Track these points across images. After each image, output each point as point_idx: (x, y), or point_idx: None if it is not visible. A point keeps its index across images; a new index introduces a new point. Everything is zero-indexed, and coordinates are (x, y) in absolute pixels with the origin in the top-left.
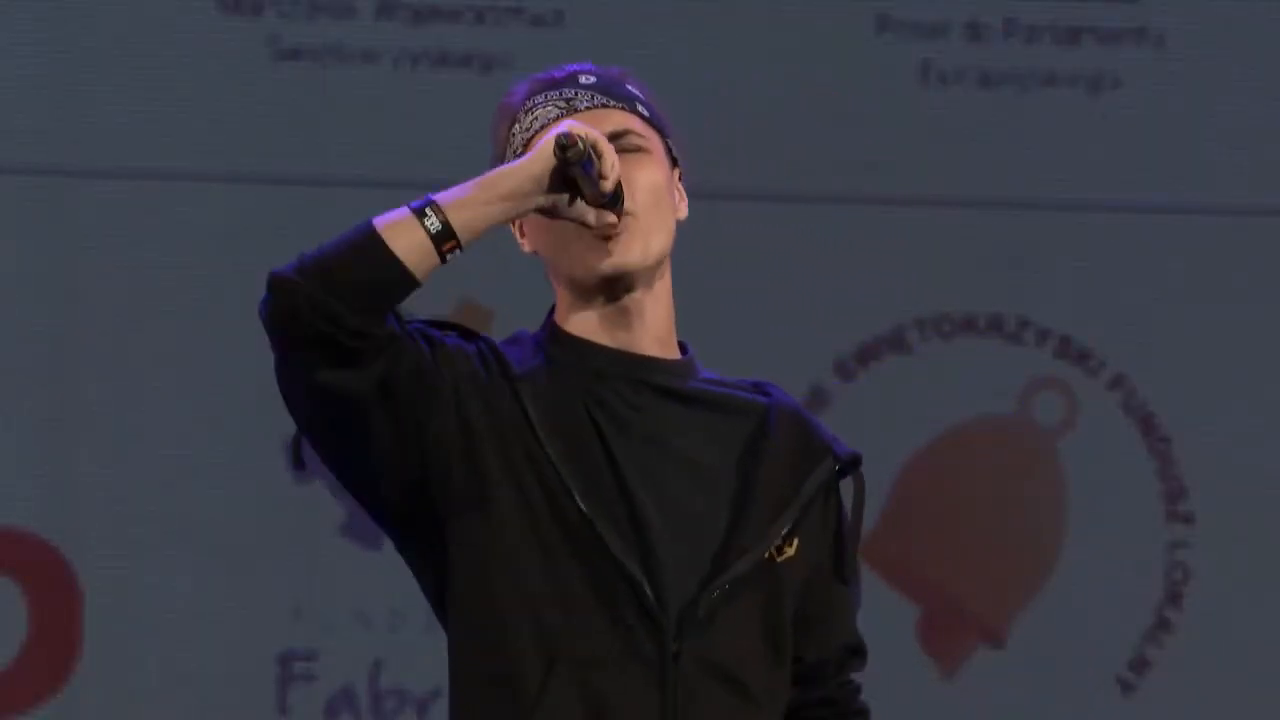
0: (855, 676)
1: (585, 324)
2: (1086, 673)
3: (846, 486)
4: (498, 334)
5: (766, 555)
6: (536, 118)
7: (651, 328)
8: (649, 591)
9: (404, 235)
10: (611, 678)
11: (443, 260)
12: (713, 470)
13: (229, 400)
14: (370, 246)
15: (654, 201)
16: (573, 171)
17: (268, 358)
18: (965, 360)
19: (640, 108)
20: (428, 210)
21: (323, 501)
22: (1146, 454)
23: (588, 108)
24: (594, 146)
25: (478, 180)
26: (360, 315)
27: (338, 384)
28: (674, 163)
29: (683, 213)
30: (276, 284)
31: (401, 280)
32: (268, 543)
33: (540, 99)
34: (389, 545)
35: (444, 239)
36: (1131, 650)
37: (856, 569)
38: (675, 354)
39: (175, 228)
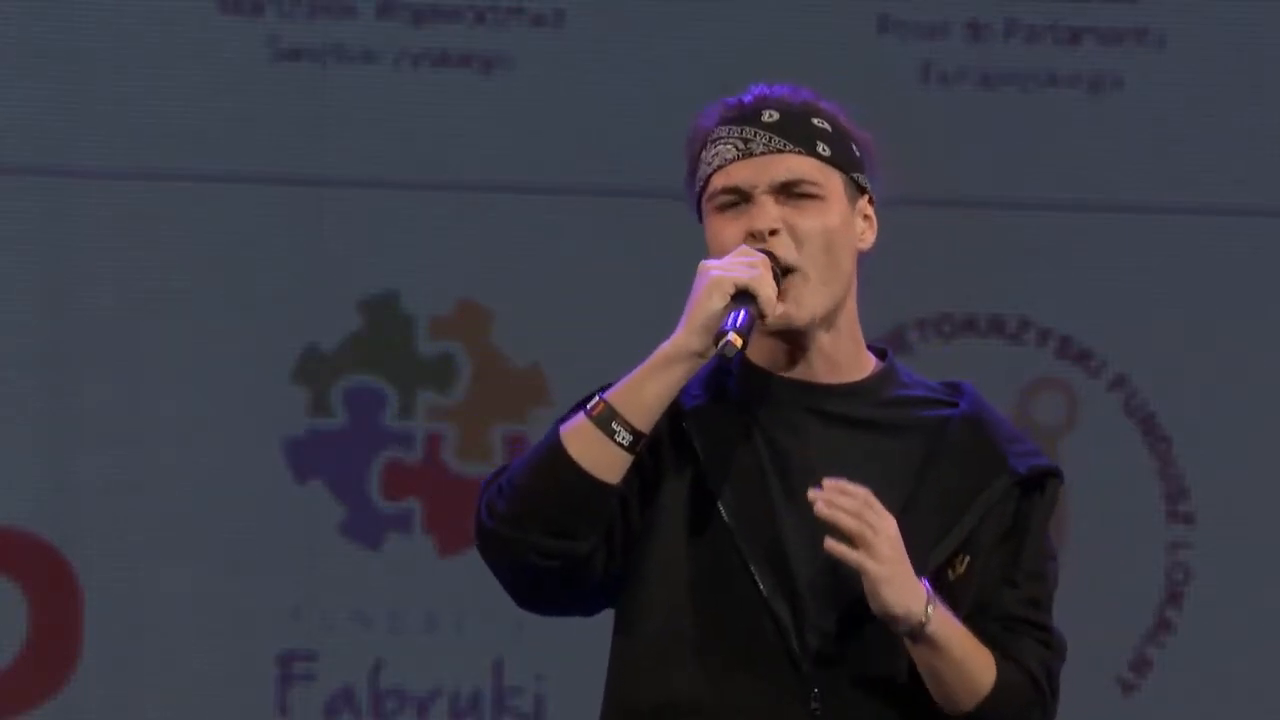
0: (1025, 640)
1: (760, 353)
2: (1087, 673)
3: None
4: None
5: (942, 578)
6: (716, 154)
7: (829, 357)
8: (791, 629)
9: (600, 455)
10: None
11: (638, 455)
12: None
13: (229, 401)
14: (575, 483)
15: (824, 249)
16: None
17: (267, 358)
18: (966, 360)
19: (821, 147)
20: (615, 425)
21: (323, 501)
22: (1147, 454)
23: (762, 152)
24: (752, 309)
25: (645, 366)
26: (584, 541)
27: (574, 593)
28: (861, 190)
29: (868, 242)
30: (494, 543)
31: (608, 495)
32: (268, 543)
33: (723, 132)
34: (389, 545)
35: (635, 444)
36: (1131, 650)
37: (1033, 574)
38: (858, 375)
39: (175, 228)
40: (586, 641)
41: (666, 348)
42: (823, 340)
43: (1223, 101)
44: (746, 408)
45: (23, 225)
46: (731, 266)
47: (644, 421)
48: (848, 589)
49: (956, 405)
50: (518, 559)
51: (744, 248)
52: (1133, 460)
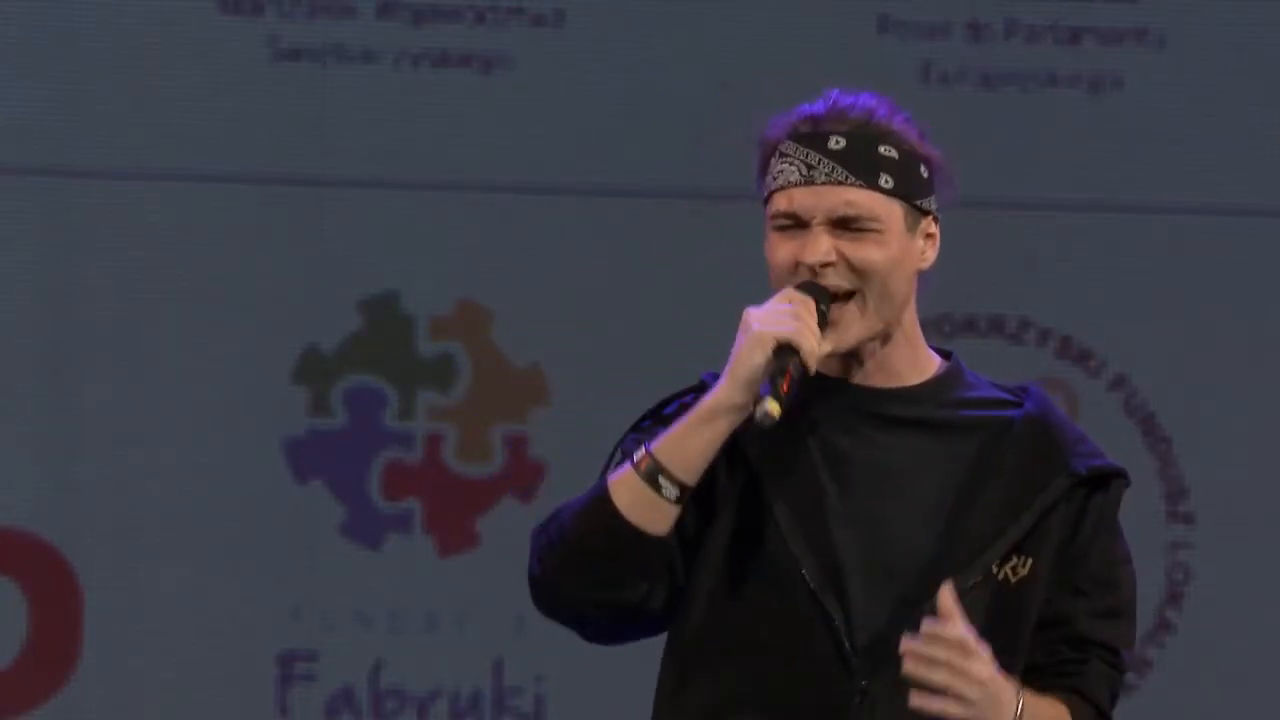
0: (1093, 662)
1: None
2: None
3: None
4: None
5: (999, 578)
6: (781, 172)
7: (884, 364)
8: (842, 627)
9: (647, 509)
10: (798, 716)
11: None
12: (930, 500)
13: (229, 401)
14: (624, 536)
15: (877, 280)
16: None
17: (267, 358)
18: (966, 361)
19: (884, 179)
20: (661, 480)
21: (323, 501)
22: (1147, 454)
23: (823, 182)
24: (794, 363)
25: (690, 419)
26: (635, 590)
27: (641, 627)
28: (924, 213)
29: (927, 261)
30: (546, 596)
31: (657, 546)
32: (268, 543)
33: (790, 149)
34: (389, 545)
35: (682, 497)
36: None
37: (1104, 582)
38: (918, 378)
39: (175, 228)
40: (586, 642)
41: (710, 401)
42: (875, 350)
43: (1223, 101)
44: (800, 410)
45: (23, 225)
46: (774, 319)
47: (690, 475)
48: (899, 589)
49: (1019, 405)
50: (572, 611)
51: (788, 291)
52: (1133, 460)
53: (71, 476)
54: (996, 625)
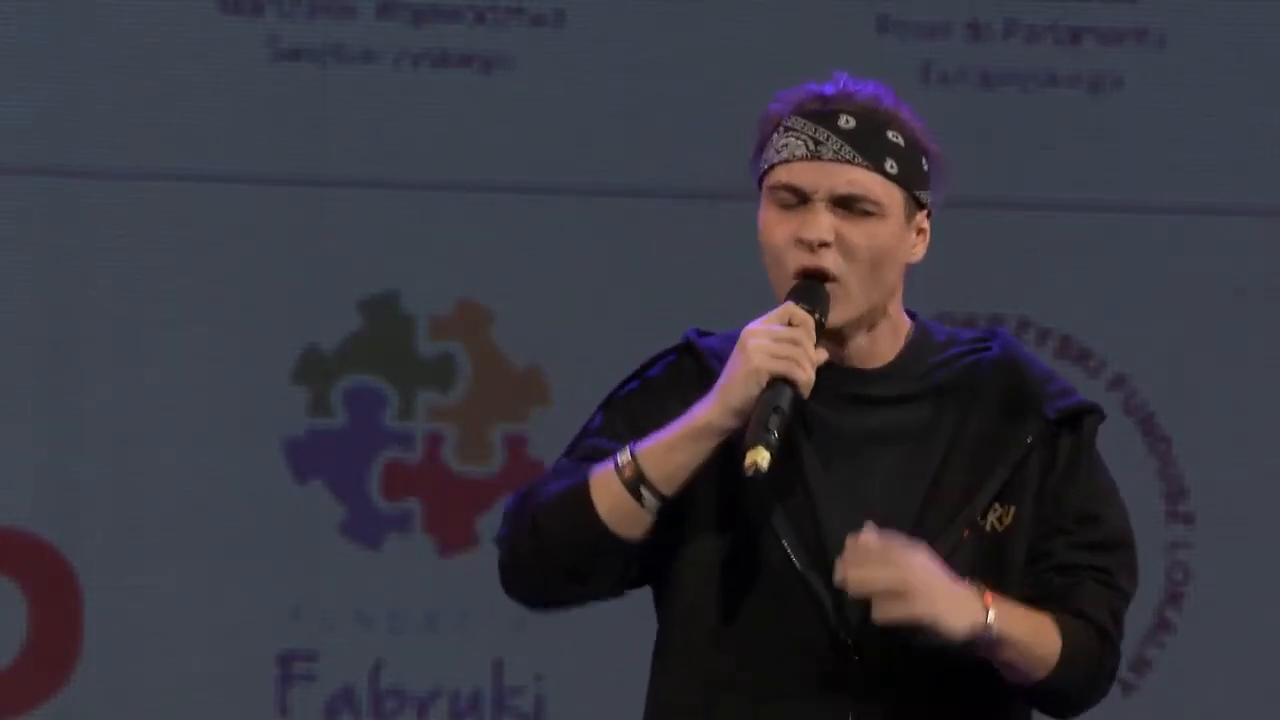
0: (1088, 585)
1: None
2: None
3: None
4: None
5: (985, 529)
6: (785, 145)
7: (864, 347)
8: (830, 606)
9: (625, 515)
10: (788, 702)
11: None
12: (909, 469)
13: (229, 401)
14: (598, 536)
15: (870, 264)
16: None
17: (267, 358)
18: None
19: (889, 163)
20: (643, 490)
21: (323, 501)
22: (1146, 454)
23: (830, 158)
24: (787, 400)
25: (676, 434)
26: (601, 582)
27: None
28: (921, 205)
29: (917, 255)
30: (514, 579)
31: (628, 548)
32: (268, 543)
33: (797, 124)
34: (389, 545)
35: (661, 507)
36: (1131, 650)
37: (1086, 517)
38: (894, 353)
39: (175, 228)
40: (586, 642)
41: (698, 420)
42: (860, 339)
43: (1223, 101)
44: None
45: (23, 225)
46: (771, 350)
47: (671, 488)
48: None
49: (989, 349)
50: (534, 596)
51: (789, 309)
52: (1132, 460)
53: (71, 476)
54: (986, 577)
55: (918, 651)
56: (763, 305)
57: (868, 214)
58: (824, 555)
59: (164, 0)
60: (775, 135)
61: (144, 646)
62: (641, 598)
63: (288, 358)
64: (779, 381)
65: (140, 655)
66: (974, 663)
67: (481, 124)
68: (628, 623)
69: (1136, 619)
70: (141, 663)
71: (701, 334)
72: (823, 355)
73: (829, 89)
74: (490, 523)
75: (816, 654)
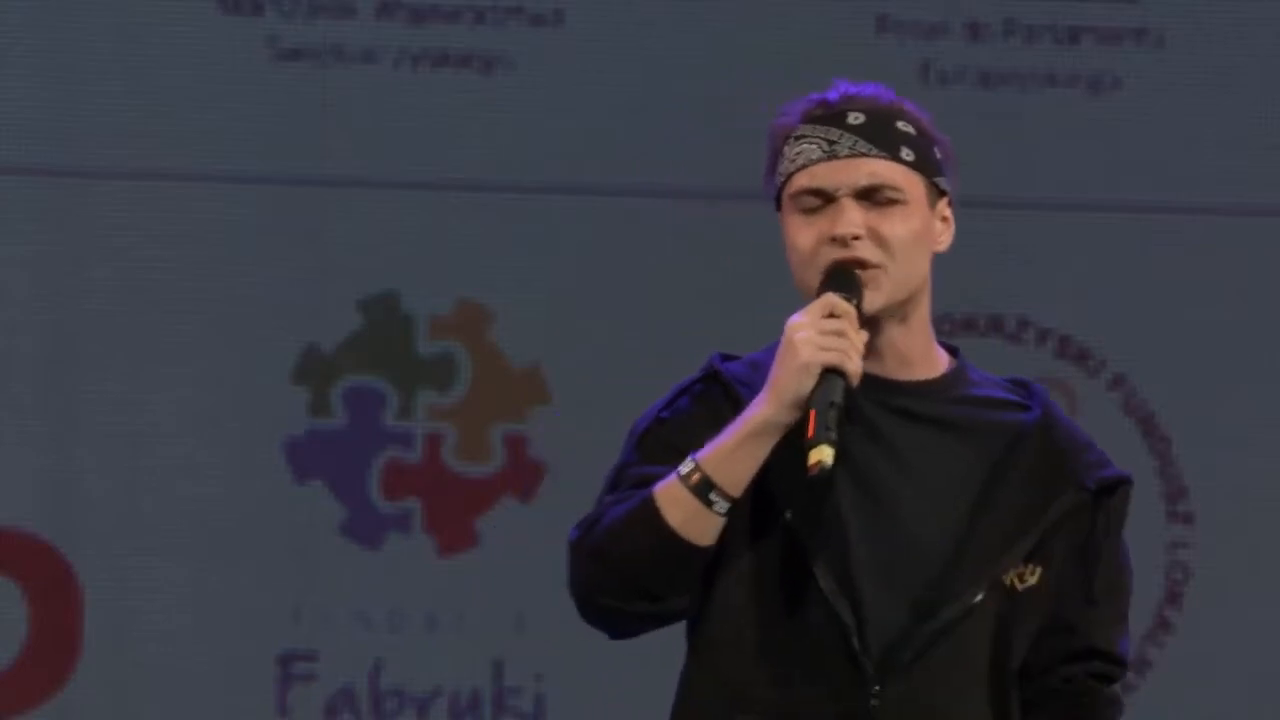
0: (1097, 674)
1: None
2: None
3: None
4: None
5: (1007, 583)
6: (800, 153)
7: (901, 353)
8: (854, 633)
9: (698, 523)
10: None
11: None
12: (944, 501)
13: (229, 400)
14: (676, 551)
15: (902, 251)
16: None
17: (267, 358)
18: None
19: (905, 151)
20: (713, 496)
21: (323, 501)
22: (1146, 454)
23: (847, 155)
24: (839, 390)
25: (735, 436)
26: (683, 599)
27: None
28: (941, 193)
29: (944, 244)
30: (596, 612)
31: (705, 556)
32: (268, 543)
33: (808, 130)
34: (389, 545)
35: (730, 510)
36: (1131, 650)
37: (1114, 587)
38: (930, 373)
39: (175, 228)
40: (586, 642)
41: (755, 419)
42: (894, 334)
43: (1222, 101)
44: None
45: (23, 225)
46: (820, 341)
47: (738, 490)
48: (911, 595)
49: (1027, 409)
50: (620, 624)
51: (830, 299)
52: (1132, 460)
53: (71, 476)
54: (1001, 632)
55: (938, 685)
56: (762, 305)
57: (893, 202)
58: (852, 584)
59: (164, 0)
60: (787, 147)
61: (144, 646)
62: None
63: (288, 358)
64: (830, 373)
65: (140, 655)
66: (987, 696)
67: (481, 124)
68: None
69: (1136, 619)
70: (141, 663)
71: (725, 358)
72: (864, 338)
73: (831, 94)
74: (490, 523)
75: (837, 677)
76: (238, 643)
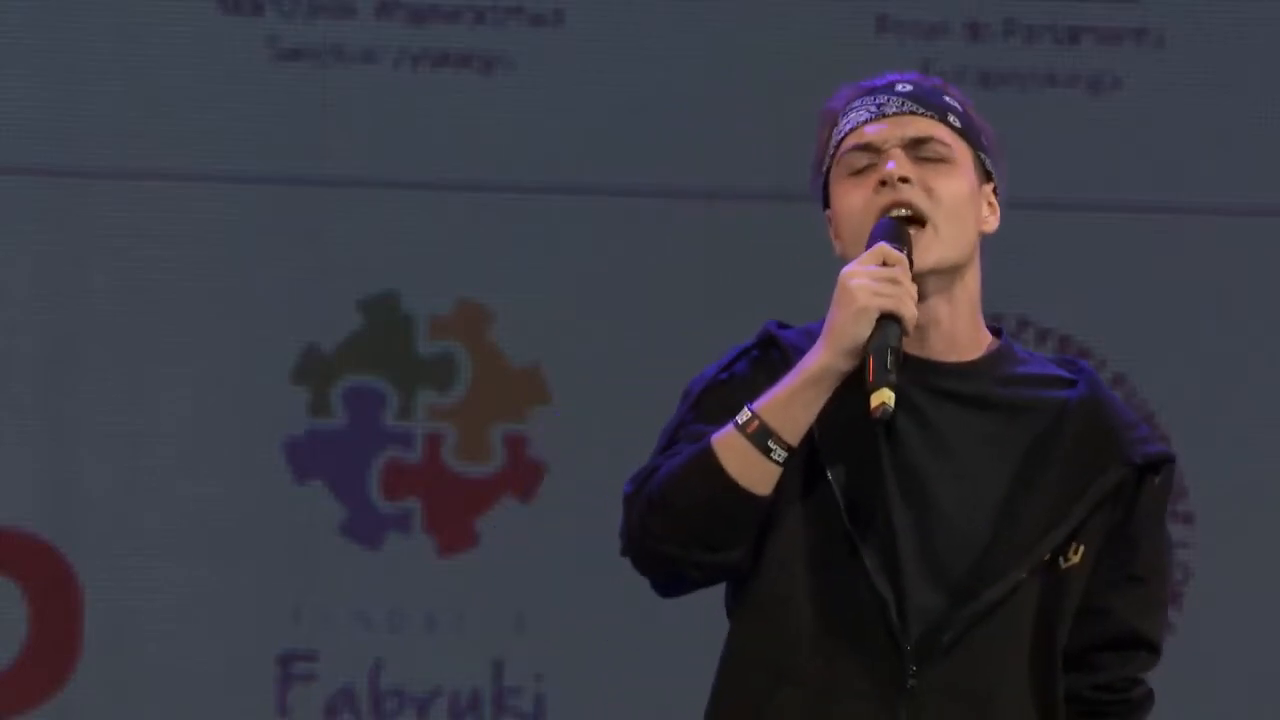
0: (1135, 666)
1: None
2: None
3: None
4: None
5: (1052, 562)
6: (850, 120)
7: (947, 333)
8: (894, 613)
9: (756, 471)
10: (844, 702)
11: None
12: (987, 481)
13: (229, 401)
14: (734, 499)
15: (954, 210)
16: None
17: (267, 358)
18: None
19: (953, 118)
20: (771, 444)
21: (323, 501)
22: None
23: (895, 113)
24: (895, 334)
25: (792, 385)
26: (740, 550)
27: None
28: (987, 177)
29: (990, 226)
30: (652, 560)
31: (763, 506)
32: (268, 543)
33: (856, 103)
34: (389, 545)
35: (788, 459)
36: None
37: (1156, 569)
38: (975, 354)
39: (175, 228)
40: (586, 642)
41: (813, 367)
42: (941, 313)
43: (1223, 101)
44: (862, 382)
45: (23, 225)
46: (875, 288)
47: (795, 438)
48: (953, 577)
49: (1074, 385)
50: (676, 573)
51: (882, 249)
52: None
53: (71, 476)
54: (1045, 613)
55: (979, 667)
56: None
57: (941, 159)
58: (894, 562)
59: (164, 0)
60: (834, 130)
61: (144, 646)
62: (642, 598)
63: (288, 358)
64: (886, 318)
65: (140, 655)
66: (1029, 675)
67: (481, 124)
68: (627, 623)
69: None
70: (141, 663)
71: (781, 326)
72: (913, 291)
73: (876, 80)
74: (490, 523)
75: (876, 653)
76: (238, 643)
